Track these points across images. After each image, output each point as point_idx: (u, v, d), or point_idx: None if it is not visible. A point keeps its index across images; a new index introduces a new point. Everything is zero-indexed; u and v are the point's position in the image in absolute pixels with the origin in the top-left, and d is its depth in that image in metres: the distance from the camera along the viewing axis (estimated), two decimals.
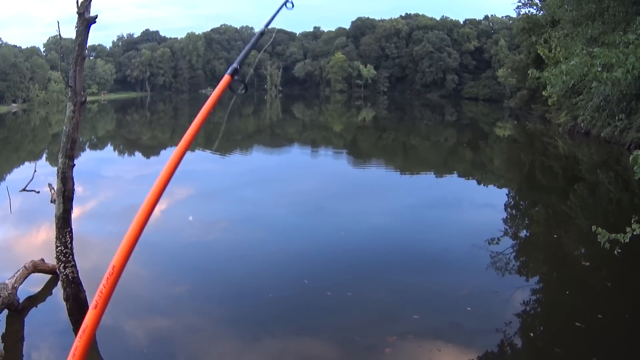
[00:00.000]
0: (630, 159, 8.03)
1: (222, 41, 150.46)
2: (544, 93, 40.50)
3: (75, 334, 8.31)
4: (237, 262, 13.11)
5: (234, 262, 13.06)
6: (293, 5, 3.70)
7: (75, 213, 9.22)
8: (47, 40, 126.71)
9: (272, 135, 52.33)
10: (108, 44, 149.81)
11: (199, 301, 10.59)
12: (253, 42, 3.23)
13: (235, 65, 2.86)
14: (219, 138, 24.97)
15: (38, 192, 18.89)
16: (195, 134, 2.70)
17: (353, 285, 11.35)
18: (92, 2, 8.48)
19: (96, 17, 8.51)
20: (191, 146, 2.57)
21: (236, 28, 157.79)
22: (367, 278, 11.96)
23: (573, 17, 21.54)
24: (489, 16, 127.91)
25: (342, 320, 9.79)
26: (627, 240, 8.00)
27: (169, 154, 2.45)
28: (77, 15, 8.44)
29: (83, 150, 36.50)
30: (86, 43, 8.67)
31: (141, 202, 2.29)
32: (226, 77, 2.82)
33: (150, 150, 39.61)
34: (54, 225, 9.06)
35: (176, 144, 2.51)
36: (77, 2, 8.30)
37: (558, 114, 42.80)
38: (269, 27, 3.46)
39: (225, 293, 11.18)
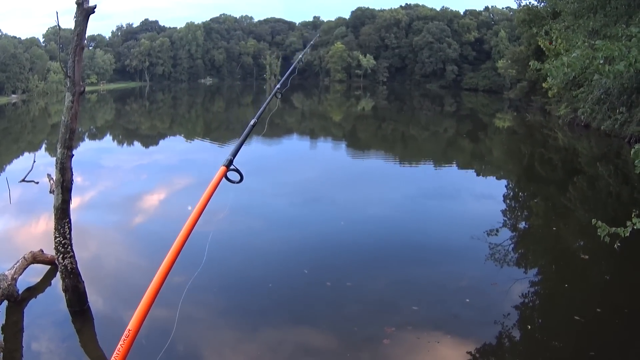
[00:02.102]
0: (632, 152, 8.01)
1: (222, 31, 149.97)
2: (544, 85, 40.46)
3: (75, 325, 8.32)
4: (237, 251, 13.09)
5: (233, 251, 13.04)
6: (282, 96, 4.00)
7: (74, 203, 9.23)
8: (47, 31, 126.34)
9: (271, 125, 52.18)
10: (107, 34, 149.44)
11: (197, 291, 10.58)
12: (246, 134, 3.58)
13: (229, 157, 3.08)
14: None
15: (37, 183, 18.92)
16: (195, 223, 2.92)
17: (352, 275, 11.37)
18: None
19: (95, 7, 8.47)
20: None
21: (235, 18, 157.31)
22: (367, 268, 11.98)
23: (574, 9, 21.43)
24: (490, 7, 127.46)
25: (341, 311, 9.80)
26: (627, 234, 8.00)
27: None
28: (76, 6, 8.40)
29: (82, 140, 36.47)
30: (85, 33, 8.63)
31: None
32: (222, 169, 2.99)
33: (149, 140, 39.56)
34: (52, 216, 9.05)
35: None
36: None
37: (558, 106, 42.78)
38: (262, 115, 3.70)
39: (224, 282, 11.17)
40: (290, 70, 5.74)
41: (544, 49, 34.88)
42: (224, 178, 2.98)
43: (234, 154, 3.10)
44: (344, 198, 18.88)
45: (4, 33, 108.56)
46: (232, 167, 3.01)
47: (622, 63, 8.22)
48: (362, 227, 15.32)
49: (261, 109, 3.98)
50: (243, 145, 3.37)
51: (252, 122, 3.52)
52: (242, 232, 14.71)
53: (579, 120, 36.73)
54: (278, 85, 4.37)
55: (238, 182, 3.07)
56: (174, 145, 36.32)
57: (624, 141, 29.61)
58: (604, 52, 8.46)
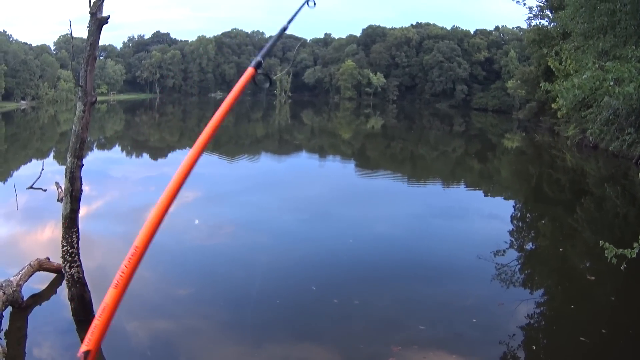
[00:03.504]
0: (639, 174, 8.00)
1: (233, 45, 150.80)
2: (553, 105, 40.41)
3: (80, 334, 8.27)
4: (243, 266, 13.07)
5: (240, 266, 13.03)
6: (315, 4, 3.70)
7: (82, 212, 9.23)
8: (58, 39, 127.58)
9: (281, 141, 52.34)
10: (118, 45, 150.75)
11: (203, 304, 10.58)
12: (276, 37, 3.29)
13: (259, 58, 2.89)
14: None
15: (45, 190, 18.97)
16: (218, 126, 2.62)
17: (360, 293, 11.32)
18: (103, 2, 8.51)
19: (108, 17, 8.52)
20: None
21: (247, 33, 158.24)
22: (374, 286, 11.93)
23: (584, 30, 21.51)
24: (500, 27, 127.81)
25: (347, 328, 9.75)
26: (634, 255, 7.98)
27: (178, 156, 2.46)
28: (88, 15, 8.45)
29: (91, 150, 36.58)
30: (98, 43, 8.68)
31: (147, 203, 2.31)
32: (250, 70, 2.83)
33: (158, 152, 39.69)
34: (59, 224, 9.07)
35: (184, 147, 2.52)
36: (90, 1, 8.32)
37: (567, 126, 42.70)
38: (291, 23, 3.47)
39: (230, 297, 11.15)
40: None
41: (554, 69, 34.93)
42: (252, 80, 2.86)
43: (264, 56, 2.93)
44: (352, 215, 18.84)
45: (15, 39, 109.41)
46: (260, 70, 2.87)
47: (632, 85, 8.23)
48: (370, 245, 15.26)
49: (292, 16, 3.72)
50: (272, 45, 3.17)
51: (284, 25, 3.36)
52: (249, 247, 14.69)
53: (587, 141, 36.69)
54: None
55: (268, 87, 2.99)
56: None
57: (631, 162, 29.54)
58: (614, 73, 8.48)
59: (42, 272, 10.95)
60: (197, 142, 2.52)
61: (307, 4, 3.68)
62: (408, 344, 9.06)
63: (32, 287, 10.47)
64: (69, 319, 9.12)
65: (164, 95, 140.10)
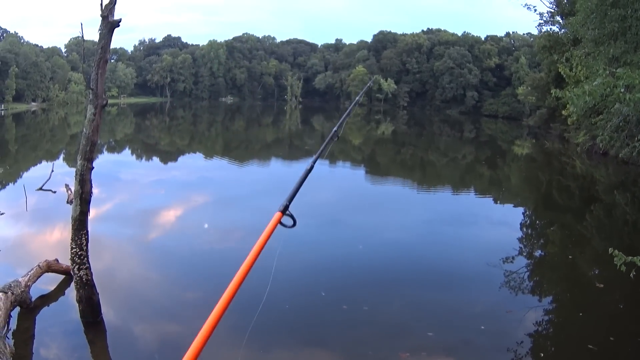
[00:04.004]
0: None
1: (244, 50, 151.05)
2: (563, 112, 40.32)
3: (87, 336, 8.30)
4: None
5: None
6: (338, 138, 4.02)
7: (91, 215, 9.26)
8: (69, 41, 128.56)
9: (291, 146, 52.36)
10: (129, 48, 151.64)
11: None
12: (302, 177, 3.62)
13: (285, 202, 3.18)
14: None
15: (54, 192, 19.11)
16: (249, 269, 2.93)
17: (369, 299, 11.30)
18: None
19: (120, 20, 8.56)
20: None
21: (258, 37, 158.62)
22: (383, 292, 11.90)
23: (595, 36, 21.43)
24: (511, 33, 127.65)
25: (356, 334, 9.73)
26: None
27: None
28: (100, 18, 8.49)
29: (100, 152, 36.73)
30: (109, 46, 8.72)
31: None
32: (277, 215, 3.09)
33: (168, 156, 39.78)
34: (68, 226, 9.11)
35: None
36: (102, 4, 8.36)
37: (577, 133, 42.54)
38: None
39: (238, 301, 11.13)
40: (347, 112, 5.68)
41: (564, 75, 34.83)
42: (279, 224, 3.08)
43: (290, 200, 3.23)
44: (362, 221, 18.81)
45: (26, 40, 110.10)
46: (287, 212, 3.13)
47: None
48: (379, 251, 15.23)
49: (318, 153, 4.10)
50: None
51: (308, 167, 3.63)
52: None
53: (597, 148, 36.51)
54: (335, 128, 4.48)
55: (291, 227, 3.13)
56: (192, 162, 36.45)
57: None
58: (624, 80, 8.45)
59: (50, 274, 11.00)
60: (222, 299, 2.75)
61: (332, 138, 4.04)
62: (416, 351, 9.05)
63: (40, 288, 10.51)
64: (76, 320, 9.15)
65: (174, 99, 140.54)
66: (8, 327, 8.50)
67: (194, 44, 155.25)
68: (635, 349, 9.33)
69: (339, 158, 40.60)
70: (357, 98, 6.74)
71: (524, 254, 16.21)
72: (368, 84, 11.58)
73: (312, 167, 3.77)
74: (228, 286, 2.59)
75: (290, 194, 3.28)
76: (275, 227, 3.03)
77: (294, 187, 3.40)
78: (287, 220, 3.13)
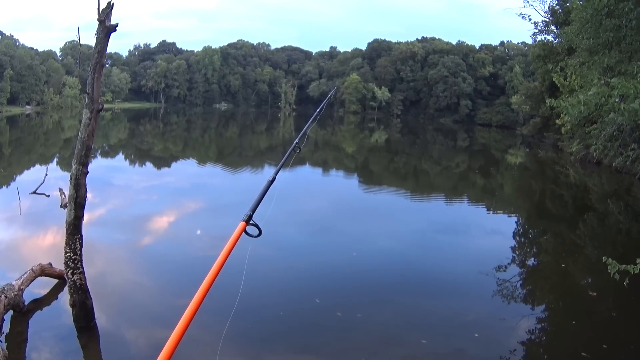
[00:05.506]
0: None
1: (238, 56, 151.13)
2: (557, 121, 40.46)
3: (80, 341, 8.27)
4: (246, 278, 13.03)
5: (244, 278, 12.99)
6: (300, 150, 4.38)
7: (84, 219, 9.23)
8: (64, 45, 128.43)
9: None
10: (124, 53, 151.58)
11: (205, 315, 10.53)
12: (265, 188, 3.79)
13: (249, 212, 3.29)
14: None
15: (48, 196, 19.06)
16: (214, 278, 2.96)
17: (363, 306, 11.31)
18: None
19: (117, 25, 8.55)
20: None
21: (252, 44, 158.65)
22: (377, 300, 11.91)
23: (590, 46, 21.58)
24: (505, 42, 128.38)
25: (350, 341, 9.71)
26: (637, 271, 7.97)
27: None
28: (96, 22, 8.48)
29: (94, 157, 36.62)
30: (105, 51, 8.71)
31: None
32: (241, 224, 3.18)
33: (162, 162, 39.66)
34: (62, 230, 9.09)
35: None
36: (98, 9, 8.35)
37: (570, 142, 42.74)
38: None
39: (232, 308, 11.12)
40: (308, 124, 5.82)
41: (559, 85, 34.99)
42: (243, 233, 3.17)
43: (253, 210, 3.33)
44: (355, 229, 18.81)
45: (22, 43, 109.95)
46: (251, 222, 3.22)
47: (637, 101, 8.24)
48: (373, 259, 15.24)
49: (279, 164, 4.23)
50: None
51: (270, 178, 3.74)
52: (252, 260, 14.63)
53: (590, 157, 36.68)
54: (296, 140, 4.56)
55: (257, 237, 3.23)
56: (186, 169, 36.32)
57: (634, 178, 29.62)
58: (619, 89, 8.49)
59: (43, 278, 10.97)
60: (192, 302, 2.72)
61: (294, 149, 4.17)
62: (410, 358, 9.06)
63: (34, 292, 10.48)
64: (69, 325, 9.12)
65: (168, 104, 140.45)
66: (1, 330, 8.50)
67: (189, 49, 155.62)
68: (628, 357, 9.35)
69: (333, 166, 40.65)
70: (318, 110, 6.90)
71: (517, 262, 16.25)
72: (329, 95, 11.70)
73: (274, 179, 3.92)
74: (193, 297, 2.65)
75: (253, 204, 3.40)
76: (239, 236, 3.10)
77: (256, 198, 3.55)
78: (252, 230, 3.21)
